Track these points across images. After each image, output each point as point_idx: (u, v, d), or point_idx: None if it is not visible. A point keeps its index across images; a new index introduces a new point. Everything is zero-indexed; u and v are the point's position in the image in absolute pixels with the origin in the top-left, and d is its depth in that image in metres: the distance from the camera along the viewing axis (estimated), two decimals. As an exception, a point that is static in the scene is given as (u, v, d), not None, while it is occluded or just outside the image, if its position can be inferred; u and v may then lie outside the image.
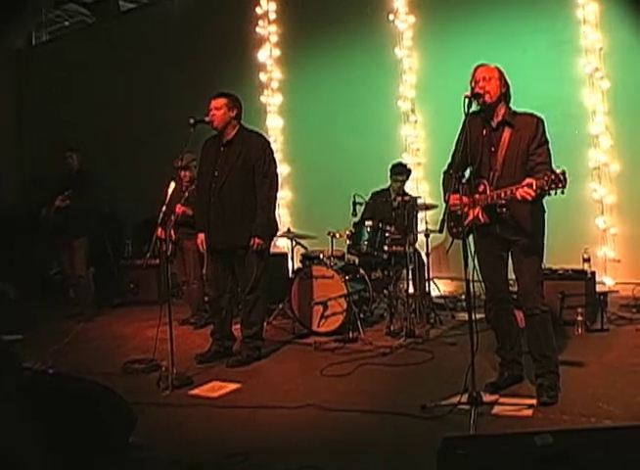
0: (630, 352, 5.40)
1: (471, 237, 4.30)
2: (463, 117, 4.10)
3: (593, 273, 6.65)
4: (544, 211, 4.30)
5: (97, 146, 10.70)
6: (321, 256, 6.98)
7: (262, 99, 9.96)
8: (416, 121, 8.78)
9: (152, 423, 4.14)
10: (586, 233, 7.49)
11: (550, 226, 4.35)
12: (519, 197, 3.95)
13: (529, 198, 3.90)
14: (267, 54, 9.96)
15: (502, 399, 4.27)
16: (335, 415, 4.27)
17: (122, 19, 11.86)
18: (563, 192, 3.80)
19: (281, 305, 7.27)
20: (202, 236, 5.73)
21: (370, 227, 6.86)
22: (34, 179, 11.39)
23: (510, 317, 4.57)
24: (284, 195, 9.64)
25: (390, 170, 7.49)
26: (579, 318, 5.99)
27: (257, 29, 9.97)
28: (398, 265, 6.97)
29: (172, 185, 5.24)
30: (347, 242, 7.00)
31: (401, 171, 7.46)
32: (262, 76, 9.97)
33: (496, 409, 4.13)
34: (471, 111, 4.15)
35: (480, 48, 7.63)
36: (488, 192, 4.25)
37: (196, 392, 4.90)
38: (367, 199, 7.33)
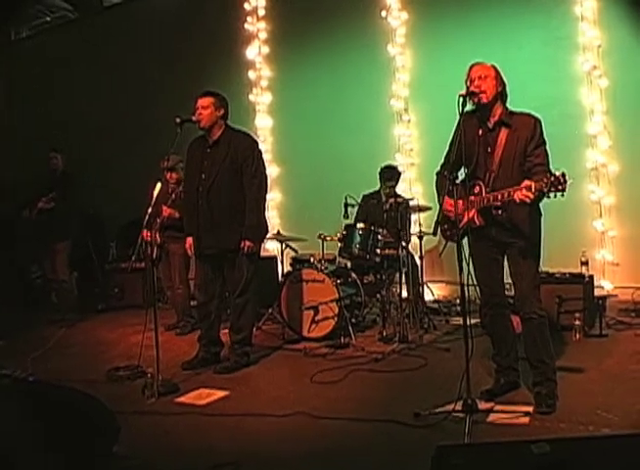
0: (630, 358, 5.40)
1: (465, 239, 4.31)
2: (457, 117, 4.11)
3: (591, 277, 6.65)
4: (540, 214, 4.31)
5: (81, 145, 10.64)
6: (312, 259, 6.98)
7: (251, 97, 9.98)
8: (409, 121, 8.81)
9: (136, 432, 4.13)
10: (584, 236, 7.52)
11: (547, 229, 4.36)
12: (517, 200, 3.95)
13: (528, 201, 3.90)
14: (256, 51, 9.98)
15: (498, 407, 4.27)
16: (325, 423, 4.26)
17: (105, 14, 11.82)
18: (563, 195, 3.79)
19: (270, 310, 7.27)
20: (190, 240, 5.73)
21: (362, 230, 6.86)
22: (14, 180, 11.32)
23: (506, 322, 4.57)
24: (274, 196, 9.65)
25: (379, 174, 7.51)
26: (577, 323, 6.00)
27: (246, 26, 9.99)
28: (391, 269, 6.97)
29: (158, 186, 5.23)
30: (339, 245, 7.00)
31: (390, 177, 7.47)
32: (251, 74, 9.99)
33: (492, 417, 4.13)
34: (466, 110, 4.15)
35: (474, 45, 7.68)
36: (484, 194, 4.25)
37: (182, 399, 4.88)
38: (359, 201, 7.34)
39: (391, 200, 7.00)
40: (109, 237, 10.47)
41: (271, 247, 9.08)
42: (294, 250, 7.71)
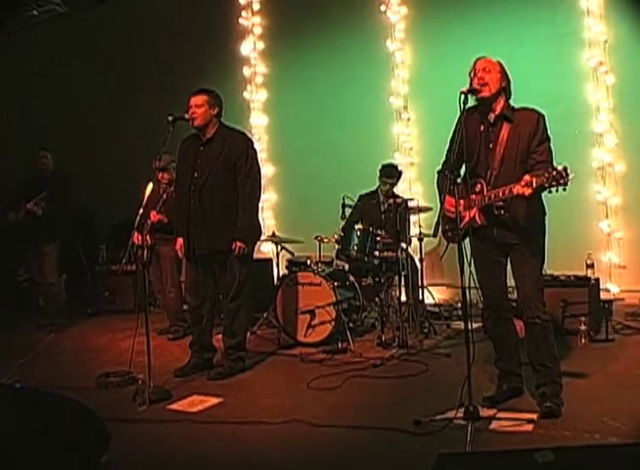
0: (637, 363, 5.40)
1: (467, 241, 4.30)
2: (458, 115, 4.11)
3: (597, 280, 6.67)
4: (545, 214, 4.31)
5: (71, 144, 10.61)
6: (308, 261, 6.98)
7: (246, 95, 9.97)
8: (409, 119, 8.81)
9: (127, 440, 4.10)
10: (589, 237, 7.52)
11: (551, 230, 4.36)
12: (515, 192, 3.95)
13: (527, 193, 3.90)
14: (251, 47, 9.97)
15: (500, 414, 4.26)
16: (322, 431, 4.25)
17: (97, 9, 11.77)
18: (565, 189, 3.77)
19: (265, 314, 7.26)
20: (180, 241, 5.72)
21: (360, 231, 6.82)
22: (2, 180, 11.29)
23: (509, 326, 4.56)
24: (269, 197, 9.65)
25: (380, 171, 7.48)
26: (582, 328, 5.99)
27: (240, 21, 9.98)
28: (390, 272, 6.96)
29: (150, 187, 5.23)
30: (336, 247, 7.00)
31: (391, 174, 7.44)
32: (246, 71, 9.98)
33: (494, 424, 4.12)
34: (467, 107, 4.14)
35: (476, 41, 7.68)
36: (485, 192, 4.25)
37: (175, 406, 4.87)
38: (356, 201, 7.33)
39: (390, 200, 7.00)
40: (99, 238, 10.44)
41: (266, 249, 9.07)
42: (289, 252, 7.71)
